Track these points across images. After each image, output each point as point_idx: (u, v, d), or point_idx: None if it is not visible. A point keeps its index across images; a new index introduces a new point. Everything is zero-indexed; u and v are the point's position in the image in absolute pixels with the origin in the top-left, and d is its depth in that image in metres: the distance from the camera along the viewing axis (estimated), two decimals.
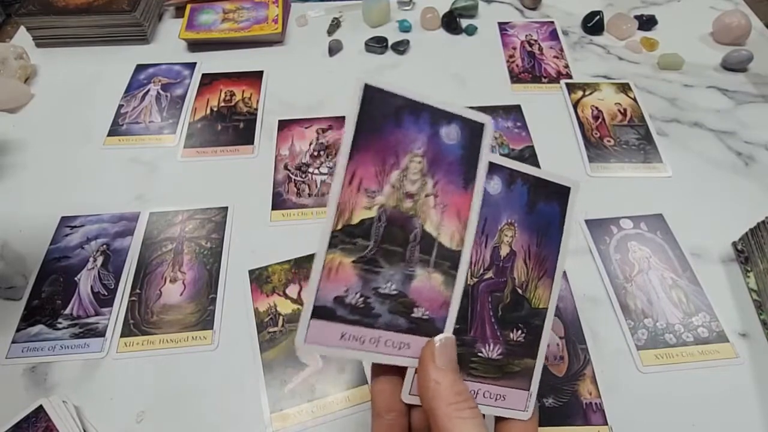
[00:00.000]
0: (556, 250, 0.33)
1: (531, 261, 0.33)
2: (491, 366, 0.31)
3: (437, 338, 0.29)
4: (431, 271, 0.29)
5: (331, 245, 0.28)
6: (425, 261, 0.29)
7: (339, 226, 0.28)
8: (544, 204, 0.33)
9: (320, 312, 0.27)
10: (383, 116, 0.29)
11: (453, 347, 0.29)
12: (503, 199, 0.32)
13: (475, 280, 0.31)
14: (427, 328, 0.29)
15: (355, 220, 0.28)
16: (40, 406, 0.42)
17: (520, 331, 0.32)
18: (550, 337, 0.45)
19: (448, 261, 0.30)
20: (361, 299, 0.28)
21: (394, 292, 0.29)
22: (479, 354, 0.31)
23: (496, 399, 0.31)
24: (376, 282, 0.28)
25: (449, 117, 0.30)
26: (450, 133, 0.30)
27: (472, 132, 0.30)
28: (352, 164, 0.28)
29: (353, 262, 0.28)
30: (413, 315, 0.29)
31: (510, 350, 0.32)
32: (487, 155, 0.31)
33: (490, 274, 0.32)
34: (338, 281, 0.28)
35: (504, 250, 0.32)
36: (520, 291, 0.32)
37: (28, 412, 0.42)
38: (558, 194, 0.33)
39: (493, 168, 0.31)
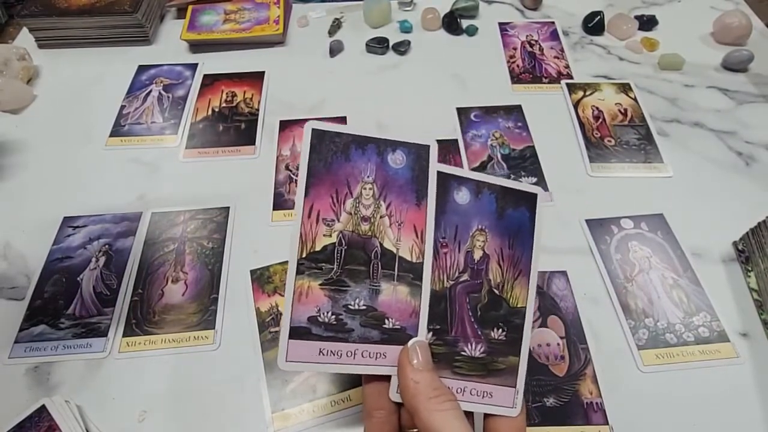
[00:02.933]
0: (529, 252, 0.35)
1: (505, 263, 0.35)
2: (476, 364, 0.33)
3: (411, 342, 0.31)
4: (396, 284, 0.32)
5: (299, 272, 0.31)
6: (389, 276, 0.32)
7: (304, 255, 0.31)
8: (512, 210, 0.35)
9: (296, 332, 0.30)
10: (332, 153, 0.32)
11: (426, 349, 0.31)
12: (472, 208, 0.34)
13: (452, 282, 0.33)
14: (400, 336, 0.31)
15: (318, 247, 0.31)
16: (43, 406, 0.42)
17: (501, 330, 0.34)
18: (550, 336, 0.46)
19: (411, 273, 0.32)
20: (333, 317, 0.31)
21: (363, 307, 0.31)
22: (462, 353, 0.33)
23: (483, 396, 0.33)
24: (344, 300, 0.31)
25: (394, 145, 0.34)
26: (396, 159, 0.34)
27: (419, 155, 0.34)
28: (308, 199, 0.32)
29: (321, 284, 0.31)
30: (385, 326, 0.31)
31: (493, 348, 0.33)
32: (434, 174, 0.34)
33: (465, 277, 0.34)
34: (309, 303, 0.31)
35: (477, 254, 0.34)
36: (496, 291, 0.34)
37: (31, 412, 0.42)
38: (526, 200, 0.35)
39: (460, 180, 0.34)
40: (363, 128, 0.33)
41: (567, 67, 0.72)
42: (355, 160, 0.33)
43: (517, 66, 0.72)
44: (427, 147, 0.34)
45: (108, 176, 0.60)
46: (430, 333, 0.33)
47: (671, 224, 0.54)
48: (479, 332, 0.33)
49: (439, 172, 0.34)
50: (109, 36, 0.76)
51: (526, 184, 0.36)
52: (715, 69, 0.71)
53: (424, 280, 0.32)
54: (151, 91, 0.70)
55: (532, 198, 0.36)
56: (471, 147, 0.62)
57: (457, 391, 0.32)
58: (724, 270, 0.51)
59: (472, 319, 0.34)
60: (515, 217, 0.35)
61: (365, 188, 0.33)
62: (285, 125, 0.65)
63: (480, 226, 0.34)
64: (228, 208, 0.56)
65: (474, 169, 0.59)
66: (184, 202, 0.57)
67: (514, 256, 0.35)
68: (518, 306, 0.34)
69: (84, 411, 0.43)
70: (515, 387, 0.33)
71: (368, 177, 0.33)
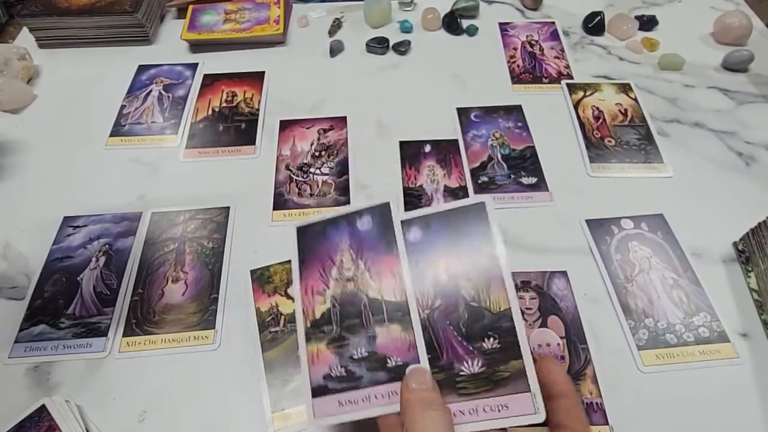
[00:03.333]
0: (494, 257, 0.36)
1: (473, 275, 0.35)
2: (479, 380, 0.33)
3: (407, 371, 0.33)
4: (387, 325, 0.35)
5: (308, 339, 0.36)
6: (380, 320, 0.35)
7: (308, 325, 0.36)
8: (464, 226, 0.37)
9: (317, 391, 0.34)
10: (314, 238, 0.39)
11: (423, 372, 0.32)
12: (425, 243, 0.37)
13: (428, 311, 0.35)
14: (404, 372, 0.33)
15: (318, 315, 0.36)
16: (43, 406, 0.42)
17: (492, 339, 0.34)
18: (551, 336, 0.46)
19: (399, 311, 0.35)
20: (343, 369, 0.34)
21: (366, 354, 0.35)
22: (462, 373, 0.33)
23: (499, 410, 0.32)
24: (348, 352, 0.35)
25: (359, 212, 0.39)
26: (364, 223, 0.39)
27: (382, 212, 0.39)
28: (303, 282, 0.38)
29: (327, 344, 0.35)
30: (389, 365, 0.34)
31: (491, 359, 0.33)
32: (399, 223, 0.38)
33: (438, 302, 0.35)
34: (321, 363, 0.35)
35: (442, 278, 0.36)
36: (474, 304, 0.35)
37: (31, 412, 0.42)
38: (474, 212, 0.37)
39: (408, 223, 0.38)
40: (331, 213, 0.40)
41: (567, 67, 0.72)
42: (332, 237, 0.39)
43: (518, 66, 0.72)
44: (388, 203, 0.39)
45: (108, 176, 0.60)
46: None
47: (671, 224, 0.54)
48: (470, 348, 0.34)
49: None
50: (109, 36, 0.76)
51: (471, 198, 0.39)
52: (715, 69, 0.71)
53: (412, 312, 0.35)
54: (151, 90, 0.70)
55: (480, 207, 0.37)
56: (471, 147, 0.62)
57: (470, 413, 0.32)
58: (724, 270, 0.51)
59: (459, 338, 0.34)
60: (469, 231, 0.37)
61: (344, 256, 0.38)
62: (285, 125, 0.65)
63: (438, 253, 0.36)
64: (228, 208, 0.56)
65: (474, 169, 0.59)
66: (184, 202, 0.57)
67: (479, 266, 0.36)
68: (501, 310, 0.34)
69: (84, 411, 0.43)
70: (530, 390, 0.32)
71: (345, 245, 0.38)
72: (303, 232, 0.39)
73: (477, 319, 0.35)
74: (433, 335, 0.35)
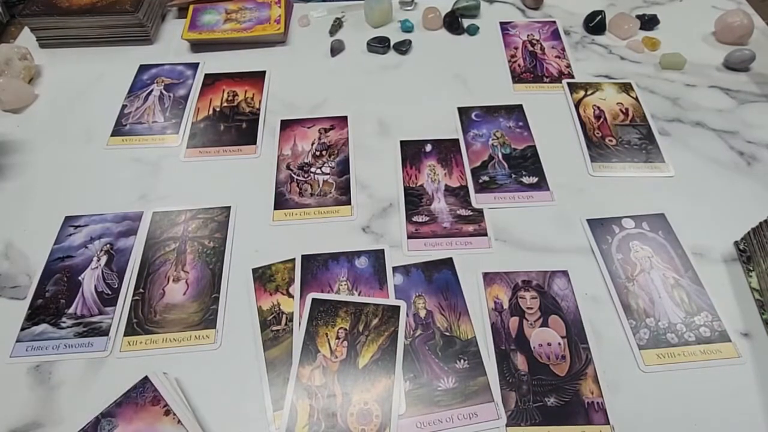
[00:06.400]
0: (462, 298, 0.48)
1: (446, 311, 0.47)
2: (453, 394, 0.42)
3: None
4: None
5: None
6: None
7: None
8: (437, 274, 0.49)
9: None
10: (317, 267, 0.50)
11: None
12: (406, 285, 0.48)
13: (410, 339, 0.45)
14: None
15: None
16: (146, 377, 0.43)
17: (462, 361, 0.44)
18: (551, 336, 0.46)
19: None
20: None
21: None
22: (439, 388, 0.42)
23: (470, 418, 0.41)
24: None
25: (358, 253, 0.50)
26: (361, 262, 0.50)
27: (377, 257, 0.50)
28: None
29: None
30: None
31: (462, 377, 0.43)
32: (390, 267, 0.49)
33: (419, 332, 0.46)
34: None
35: (422, 313, 0.47)
36: (447, 334, 0.45)
37: (135, 383, 0.43)
38: (444, 263, 0.50)
39: (394, 269, 0.49)
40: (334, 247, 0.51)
41: (568, 66, 0.72)
42: (332, 269, 0.50)
43: (519, 65, 0.72)
44: (383, 250, 0.51)
45: (109, 176, 0.60)
46: (407, 381, 0.42)
47: (672, 224, 0.54)
48: (445, 368, 0.43)
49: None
50: (110, 35, 0.76)
51: (441, 253, 0.50)
52: (716, 68, 0.71)
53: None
54: (152, 90, 0.70)
55: (449, 261, 0.50)
56: (472, 146, 0.62)
57: (446, 421, 0.40)
58: (725, 270, 0.51)
59: (436, 360, 0.44)
60: (441, 278, 0.49)
61: (342, 285, 0.48)
62: (286, 125, 0.65)
63: (417, 293, 0.48)
64: (229, 207, 0.56)
65: (475, 169, 0.59)
66: (185, 202, 0.57)
67: (451, 304, 0.47)
68: (469, 338, 0.45)
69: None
70: (494, 400, 0.41)
71: (343, 277, 0.49)
72: (308, 261, 0.49)
73: (450, 345, 0.44)
74: (415, 358, 0.43)
